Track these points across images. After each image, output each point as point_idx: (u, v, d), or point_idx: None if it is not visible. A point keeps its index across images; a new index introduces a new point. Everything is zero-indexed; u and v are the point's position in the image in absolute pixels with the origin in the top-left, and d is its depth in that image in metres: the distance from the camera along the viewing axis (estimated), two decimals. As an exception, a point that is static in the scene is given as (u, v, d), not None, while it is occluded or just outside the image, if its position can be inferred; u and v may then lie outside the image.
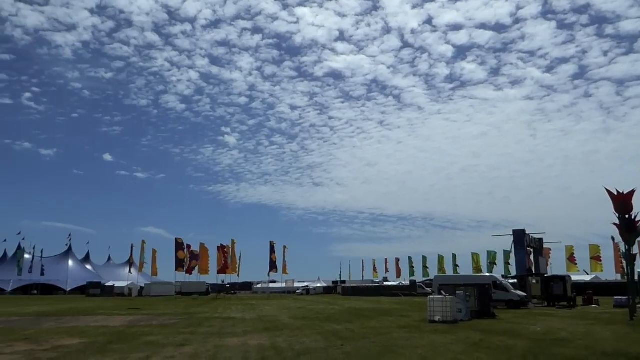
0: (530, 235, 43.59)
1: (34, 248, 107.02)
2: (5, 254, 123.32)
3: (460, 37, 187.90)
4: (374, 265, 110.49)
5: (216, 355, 12.99)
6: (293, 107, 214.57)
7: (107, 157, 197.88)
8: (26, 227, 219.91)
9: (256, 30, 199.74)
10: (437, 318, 23.05)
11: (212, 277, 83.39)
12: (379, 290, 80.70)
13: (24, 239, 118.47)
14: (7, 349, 14.02)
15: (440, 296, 24.48)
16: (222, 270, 79.62)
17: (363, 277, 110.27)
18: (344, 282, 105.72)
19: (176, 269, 78.99)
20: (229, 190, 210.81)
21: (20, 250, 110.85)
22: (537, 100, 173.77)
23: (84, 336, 17.52)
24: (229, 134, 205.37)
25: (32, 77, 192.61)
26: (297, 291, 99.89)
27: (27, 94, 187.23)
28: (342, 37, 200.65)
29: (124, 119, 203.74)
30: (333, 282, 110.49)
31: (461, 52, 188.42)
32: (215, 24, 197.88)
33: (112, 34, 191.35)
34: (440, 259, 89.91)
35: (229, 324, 23.67)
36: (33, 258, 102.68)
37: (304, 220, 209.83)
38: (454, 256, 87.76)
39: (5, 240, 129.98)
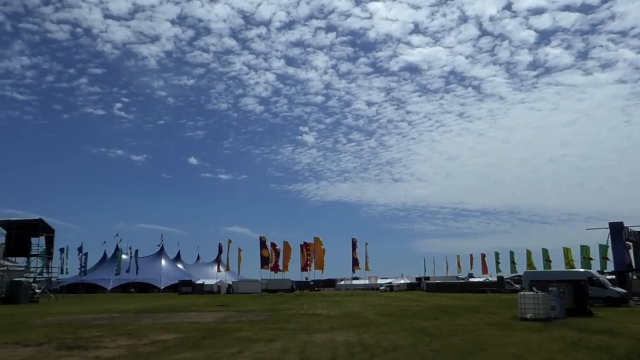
0: (629, 228, 40.85)
1: (130, 249, 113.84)
2: (105, 255, 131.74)
3: (543, 21, 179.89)
4: (458, 261, 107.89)
5: (305, 350, 13.20)
6: (370, 104, 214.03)
7: (192, 160, 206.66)
8: (122, 230, 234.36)
9: (330, 28, 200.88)
10: (528, 315, 22.16)
11: (296, 274, 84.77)
12: (465, 287, 78.71)
13: (121, 240, 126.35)
14: (111, 343, 14.97)
15: (532, 293, 23.48)
16: (305, 267, 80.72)
17: (447, 273, 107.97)
18: (427, 278, 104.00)
19: (261, 267, 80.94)
20: (309, 189, 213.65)
21: (118, 251, 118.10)
22: (631, 84, 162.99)
23: (179, 331, 18.37)
24: (307, 133, 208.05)
25: (121, 88, 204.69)
26: (381, 288, 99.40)
27: (118, 104, 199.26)
28: (417, 29, 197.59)
29: (207, 123, 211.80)
30: (417, 279, 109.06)
31: (544, 36, 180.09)
32: (289, 25, 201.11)
33: (192, 42, 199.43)
34: (528, 254, 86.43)
35: (315, 320, 23.97)
36: (130, 258, 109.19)
37: (385, 216, 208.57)
38: (544, 251, 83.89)
39: (104, 243, 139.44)
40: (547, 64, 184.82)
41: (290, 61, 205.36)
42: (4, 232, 56.15)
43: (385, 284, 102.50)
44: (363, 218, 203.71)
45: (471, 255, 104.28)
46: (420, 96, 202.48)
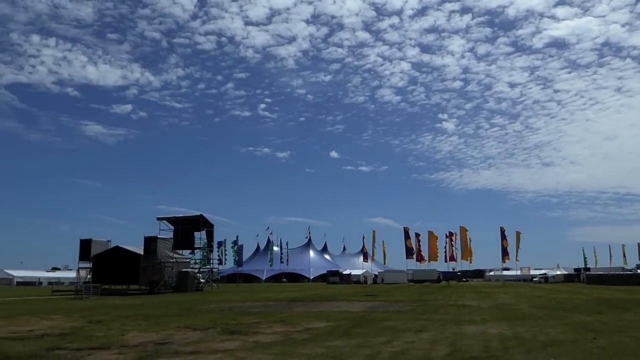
0: None
1: (280, 241, 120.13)
2: (258, 247, 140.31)
3: None
4: (624, 251, 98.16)
5: (456, 342, 12.89)
6: (512, 85, 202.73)
7: (334, 154, 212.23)
8: (272, 223, 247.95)
9: (465, 10, 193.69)
10: None
11: (443, 265, 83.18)
12: (633, 279, 71.11)
13: (271, 233, 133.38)
14: (268, 329, 15.92)
15: None
16: (452, 257, 78.80)
17: (610, 263, 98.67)
18: (587, 269, 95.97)
19: (406, 257, 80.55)
20: (451, 177, 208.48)
21: (270, 243, 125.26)
22: None
23: (330, 320, 18.97)
24: (446, 120, 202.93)
25: (264, 90, 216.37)
26: (534, 279, 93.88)
27: (262, 105, 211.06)
28: (562, 1, 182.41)
29: (345, 117, 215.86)
30: (575, 270, 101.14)
31: None
32: (422, 12, 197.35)
33: (326, 39, 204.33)
34: None
35: (464, 311, 23.32)
36: (280, 250, 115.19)
37: (535, 203, 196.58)
38: None
39: (257, 236, 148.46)
40: None
41: (425, 48, 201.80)
42: (171, 227, 62.35)
43: (540, 275, 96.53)
44: (511, 206, 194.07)
45: (639, 244, 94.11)
46: (569, 73, 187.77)
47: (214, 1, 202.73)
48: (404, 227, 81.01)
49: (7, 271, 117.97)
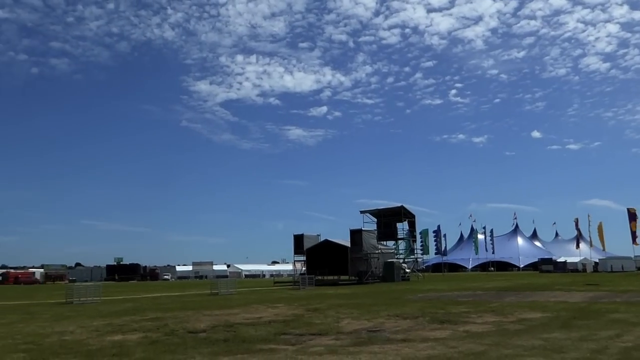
0: None
1: (484, 229, 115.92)
2: (461, 235, 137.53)
3: None
4: None
5: None
6: None
7: (536, 134, 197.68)
8: (474, 210, 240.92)
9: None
10: None
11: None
12: None
13: (474, 221, 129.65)
14: (478, 319, 15.56)
15: None
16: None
17: None
18: None
19: (632, 242, 71.54)
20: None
21: (473, 231, 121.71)
22: None
23: (546, 310, 17.80)
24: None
25: (453, 75, 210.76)
26: None
27: (453, 91, 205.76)
28: None
29: (545, 93, 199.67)
30: None
31: None
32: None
33: (516, 12, 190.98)
34: None
35: None
36: (485, 238, 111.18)
37: None
38: None
39: (460, 224, 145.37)
40: None
41: (634, 5, 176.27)
42: (374, 219, 64.44)
43: None
44: None
45: None
46: None
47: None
48: (628, 209, 71.99)
49: (236, 266, 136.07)
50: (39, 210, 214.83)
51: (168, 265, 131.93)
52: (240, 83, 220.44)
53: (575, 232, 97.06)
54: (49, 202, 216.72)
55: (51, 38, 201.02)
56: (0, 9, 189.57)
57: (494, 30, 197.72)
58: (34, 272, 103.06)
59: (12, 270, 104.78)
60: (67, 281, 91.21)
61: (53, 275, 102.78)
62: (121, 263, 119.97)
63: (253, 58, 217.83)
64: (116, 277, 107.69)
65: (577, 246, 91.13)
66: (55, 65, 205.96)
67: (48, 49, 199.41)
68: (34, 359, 10.34)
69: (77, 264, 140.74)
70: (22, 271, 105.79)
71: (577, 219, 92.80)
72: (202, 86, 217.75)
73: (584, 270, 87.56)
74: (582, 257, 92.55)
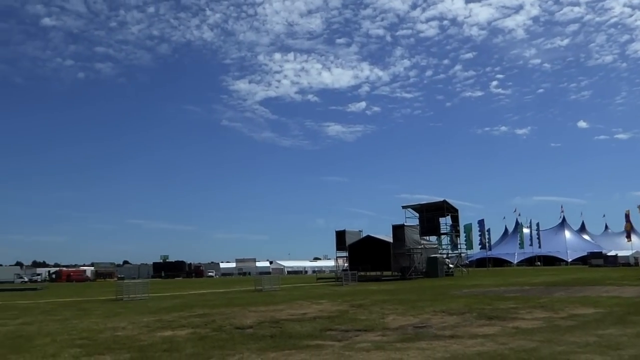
0: None
1: (529, 222, 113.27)
2: (505, 229, 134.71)
3: None
4: None
5: None
6: None
7: (582, 124, 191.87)
8: (519, 204, 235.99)
9: None
10: None
11: None
12: None
13: (519, 214, 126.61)
14: (527, 315, 15.21)
15: None
16: None
17: None
18: None
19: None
20: None
21: (518, 225, 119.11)
22: None
23: (598, 306, 17.25)
24: None
25: (494, 66, 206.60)
26: None
27: (494, 83, 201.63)
28: None
29: (591, 82, 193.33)
30: None
31: None
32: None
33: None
34: None
35: None
36: (531, 232, 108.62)
37: None
38: None
39: (504, 218, 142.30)
40: None
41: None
42: (416, 215, 63.79)
43: None
44: None
45: None
46: None
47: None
48: (683, 199, 69.02)
49: (279, 262, 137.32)
50: (88, 210, 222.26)
51: (212, 262, 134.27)
52: (279, 81, 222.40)
53: (625, 225, 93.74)
54: (98, 202, 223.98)
55: (96, 43, 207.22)
56: (48, 17, 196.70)
57: (535, 19, 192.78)
58: (85, 270, 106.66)
59: (64, 269, 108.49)
60: (116, 278, 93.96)
61: (103, 273, 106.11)
62: (167, 260, 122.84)
63: (291, 56, 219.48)
64: (162, 274, 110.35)
65: (629, 239, 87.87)
66: (100, 69, 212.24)
67: (93, 54, 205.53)
68: (90, 353, 10.70)
69: (125, 262, 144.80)
70: (74, 269, 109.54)
71: (628, 211, 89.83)
72: (242, 85, 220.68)
73: (637, 264, 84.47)
74: (634, 251, 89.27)
